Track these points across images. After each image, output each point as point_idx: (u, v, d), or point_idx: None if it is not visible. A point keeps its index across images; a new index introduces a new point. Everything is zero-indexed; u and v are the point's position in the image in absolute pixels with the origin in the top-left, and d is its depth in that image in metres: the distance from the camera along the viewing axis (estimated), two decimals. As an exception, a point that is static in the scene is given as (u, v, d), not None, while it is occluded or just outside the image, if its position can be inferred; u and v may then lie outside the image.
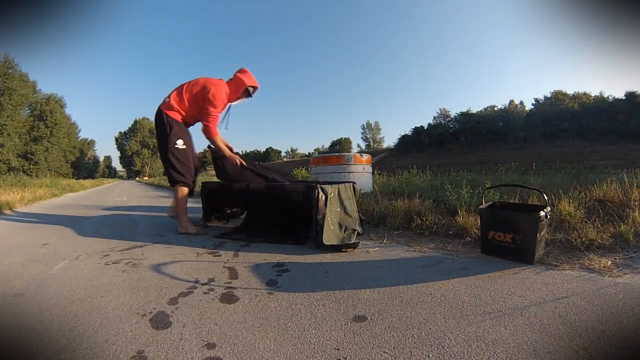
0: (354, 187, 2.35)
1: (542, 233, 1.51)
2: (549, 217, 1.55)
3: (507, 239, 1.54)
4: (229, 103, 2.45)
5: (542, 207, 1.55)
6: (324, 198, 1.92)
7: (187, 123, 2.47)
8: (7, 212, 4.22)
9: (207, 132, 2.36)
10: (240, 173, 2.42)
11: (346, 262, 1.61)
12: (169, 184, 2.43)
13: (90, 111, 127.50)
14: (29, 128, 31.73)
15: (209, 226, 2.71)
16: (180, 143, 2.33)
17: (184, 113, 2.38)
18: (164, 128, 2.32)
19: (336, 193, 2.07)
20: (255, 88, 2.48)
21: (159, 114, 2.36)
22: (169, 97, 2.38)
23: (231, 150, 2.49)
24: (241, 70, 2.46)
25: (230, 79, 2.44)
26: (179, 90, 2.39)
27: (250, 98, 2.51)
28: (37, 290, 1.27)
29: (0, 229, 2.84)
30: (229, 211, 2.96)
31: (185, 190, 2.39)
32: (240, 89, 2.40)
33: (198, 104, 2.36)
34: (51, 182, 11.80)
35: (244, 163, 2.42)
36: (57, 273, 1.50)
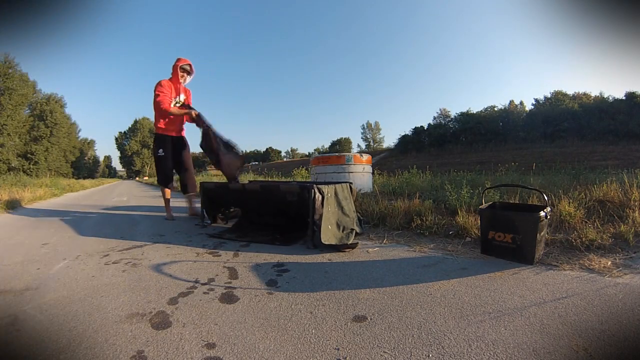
0: (350, 187, 2.35)
1: (542, 233, 1.51)
2: (549, 217, 1.55)
3: (507, 239, 1.54)
4: (179, 85, 3.03)
5: (542, 208, 1.55)
6: (320, 198, 1.92)
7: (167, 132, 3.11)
8: (9, 211, 4.22)
9: (160, 109, 2.92)
10: (207, 134, 2.89)
11: (346, 262, 1.61)
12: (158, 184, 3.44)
13: (90, 111, 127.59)
14: (29, 128, 31.72)
15: (207, 225, 2.72)
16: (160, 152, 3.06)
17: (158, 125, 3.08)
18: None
19: (333, 193, 2.07)
20: (189, 65, 3.07)
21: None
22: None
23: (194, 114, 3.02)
24: (176, 60, 3.05)
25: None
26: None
27: (193, 73, 3.13)
28: (37, 290, 1.27)
29: (1, 229, 2.84)
30: (227, 211, 2.96)
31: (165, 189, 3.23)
32: (177, 71, 3.00)
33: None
34: (51, 182, 11.78)
35: (198, 113, 2.95)
36: (57, 273, 1.50)
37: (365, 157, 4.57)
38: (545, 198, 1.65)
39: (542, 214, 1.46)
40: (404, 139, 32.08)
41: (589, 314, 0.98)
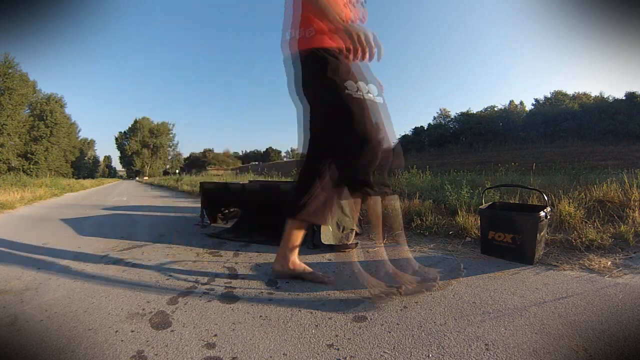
0: None
1: (542, 233, 1.51)
2: (548, 217, 1.55)
3: (507, 239, 1.54)
4: None
5: (542, 208, 1.55)
6: None
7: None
8: (9, 211, 4.22)
9: None
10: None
11: (346, 262, 1.61)
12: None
13: (90, 111, 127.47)
14: (29, 128, 31.76)
15: (206, 225, 2.72)
16: (353, 88, 1.21)
17: (331, 30, 1.24)
18: (313, 76, 1.27)
19: None
20: None
21: (295, 61, 1.32)
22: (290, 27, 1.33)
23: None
24: None
25: None
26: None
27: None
28: (37, 290, 1.27)
29: (1, 229, 2.84)
30: (226, 211, 2.97)
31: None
32: None
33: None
34: (51, 182, 11.81)
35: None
36: (57, 273, 1.50)
37: (365, 157, 4.56)
38: (545, 198, 1.65)
39: (542, 214, 1.46)
40: (403, 139, 32.08)
41: (589, 314, 0.97)
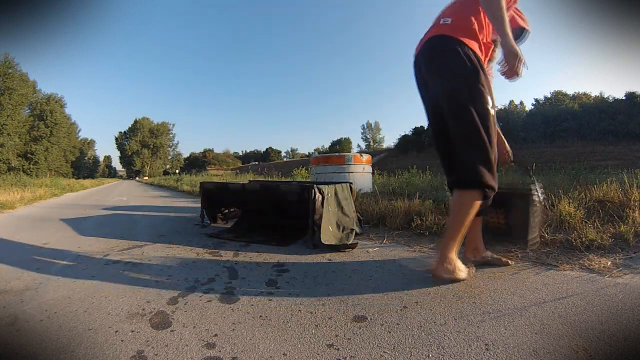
0: (350, 187, 2.36)
1: (535, 214, 1.52)
2: (541, 197, 1.56)
3: (500, 219, 1.54)
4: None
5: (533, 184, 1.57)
6: (320, 198, 1.92)
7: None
8: (9, 211, 4.22)
9: None
10: None
11: (346, 262, 1.61)
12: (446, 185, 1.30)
13: (90, 111, 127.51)
14: (29, 128, 31.78)
15: (206, 225, 2.72)
16: (490, 104, 1.25)
17: (484, 43, 1.30)
18: (461, 66, 1.22)
19: (333, 193, 2.07)
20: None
21: (442, 42, 1.28)
22: (447, 15, 1.33)
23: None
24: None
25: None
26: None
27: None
28: (37, 290, 1.27)
29: (1, 229, 2.84)
30: (226, 211, 2.97)
31: (478, 201, 1.24)
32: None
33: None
34: (51, 182, 11.81)
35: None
36: (57, 273, 1.50)
37: (365, 157, 4.57)
38: (530, 171, 1.65)
39: (533, 191, 1.47)
40: (404, 139, 32.08)
41: (589, 314, 0.97)
